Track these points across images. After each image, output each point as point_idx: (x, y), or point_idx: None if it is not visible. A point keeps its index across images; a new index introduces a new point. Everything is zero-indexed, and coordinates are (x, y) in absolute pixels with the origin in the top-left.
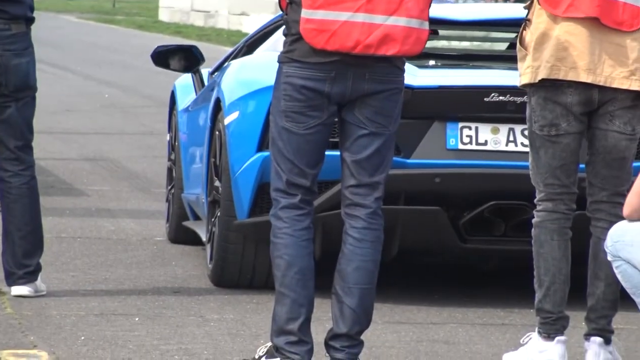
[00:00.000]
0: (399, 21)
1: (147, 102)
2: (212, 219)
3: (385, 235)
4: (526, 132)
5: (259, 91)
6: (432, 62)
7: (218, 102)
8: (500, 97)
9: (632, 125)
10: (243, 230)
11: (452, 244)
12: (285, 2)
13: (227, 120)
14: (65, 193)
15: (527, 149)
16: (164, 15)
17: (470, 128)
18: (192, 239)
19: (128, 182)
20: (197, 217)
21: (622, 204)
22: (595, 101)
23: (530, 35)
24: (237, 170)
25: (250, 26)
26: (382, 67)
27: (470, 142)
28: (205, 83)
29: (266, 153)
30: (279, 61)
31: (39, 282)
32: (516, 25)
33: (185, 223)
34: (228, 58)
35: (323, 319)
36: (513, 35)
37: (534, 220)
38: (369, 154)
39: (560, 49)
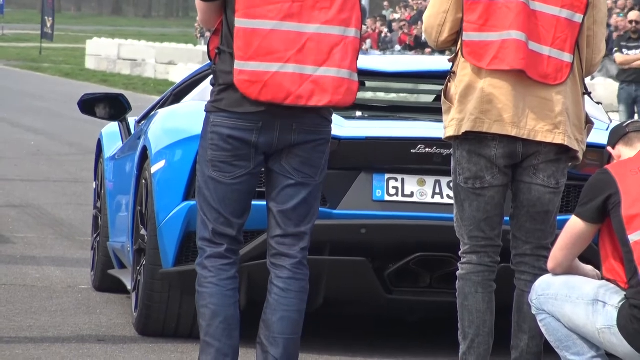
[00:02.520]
0: (329, 72)
1: (73, 149)
2: (138, 268)
3: (311, 286)
4: (452, 184)
5: (185, 140)
6: (359, 114)
7: (145, 150)
8: (427, 149)
9: (556, 178)
10: (168, 279)
11: (377, 294)
12: (214, 52)
13: (154, 168)
14: None
15: (453, 201)
16: (90, 63)
17: (396, 180)
18: (117, 288)
19: (53, 230)
20: (122, 266)
21: (546, 257)
22: (519, 154)
23: (454, 87)
24: (163, 219)
25: (177, 75)
26: (309, 118)
27: (397, 194)
28: (132, 131)
29: (192, 202)
30: (206, 110)
31: None
32: (442, 77)
33: (111, 271)
34: (155, 107)
35: None
36: (439, 87)
37: (458, 273)
38: (296, 204)
39: (485, 101)
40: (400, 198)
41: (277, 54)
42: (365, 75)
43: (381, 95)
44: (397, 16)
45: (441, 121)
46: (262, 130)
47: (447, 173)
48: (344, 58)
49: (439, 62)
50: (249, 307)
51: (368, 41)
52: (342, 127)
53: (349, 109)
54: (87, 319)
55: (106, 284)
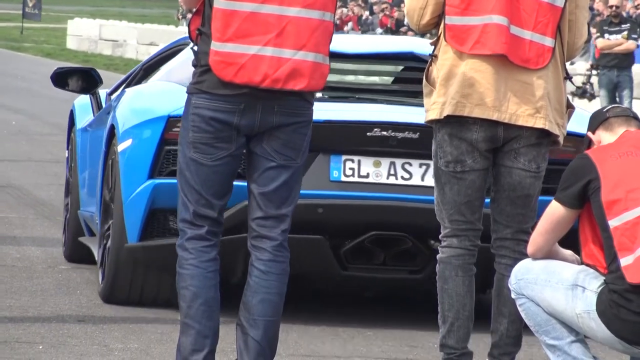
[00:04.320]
0: (307, 56)
1: (54, 129)
2: (105, 241)
3: None
4: (406, 166)
5: (151, 120)
6: (318, 95)
7: (113, 128)
8: (383, 132)
9: (537, 162)
10: (133, 253)
11: (333, 271)
12: (195, 33)
13: (121, 147)
14: None
15: (407, 182)
16: (72, 44)
17: (353, 161)
18: (88, 257)
19: (34, 210)
20: (92, 234)
21: (526, 242)
22: (500, 138)
23: (436, 71)
24: (129, 195)
25: None
26: (291, 101)
27: (353, 175)
28: (104, 104)
29: (157, 180)
30: (188, 92)
31: None
32: (402, 58)
33: (81, 239)
34: (125, 81)
35: (228, 351)
36: (397, 69)
37: (438, 256)
38: (277, 187)
39: (466, 85)
40: (356, 179)
41: (256, 36)
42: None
43: (340, 77)
44: None
45: (398, 104)
46: (244, 112)
47: (401, 155)
48: (321, 42)
49: (399, 44)
50: (229, 288)
51: (349, 23)
52: None
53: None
54: (67, 299)
55: (76, 251)
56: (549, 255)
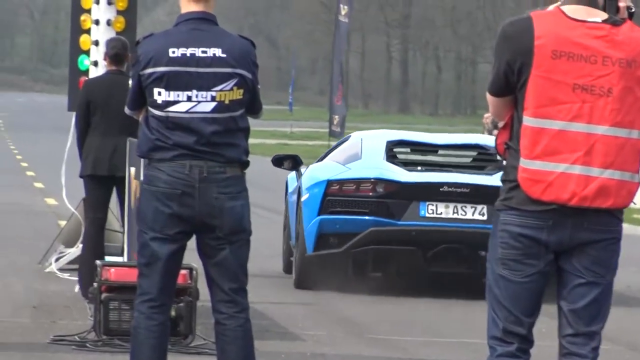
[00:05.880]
0: (614, 174)
1: None
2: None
3: (384, 263)
4: (463, 208)
5: (318, 182)
6: (419, 168)
7: (299, 189)
8: (449, 189)
9: None
10: (310, 259)
11: (422, 268)
12: (503, 147)
13: (303, 199)
14: (280, 337)
15: (464, 217)
16: None
17: (432, 205)
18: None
19: (343, 327)
20: None
21: None
22: None
23: None
24: (307, 226)
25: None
26: (600, 217)
27: (433, 213)
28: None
29: (323, 217)
30: (496, 209)
31: None
32: (471, 147)
33: (291, 258)
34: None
35: None
36: (470, 153)
37: None
38: (586, 304)
39: None
40: (434, 215)
41: (564, 154)
42: (421, 145)
43: (431, 157)
44: None
45: (460, 172)
46: (553, 228)
47: (460, 202)
48: (629, 160)
49: (470, 138)
50: None
51: None
52: (403, 174)
53: (412, 165)
54: None
55: (290, 265)
56: None
